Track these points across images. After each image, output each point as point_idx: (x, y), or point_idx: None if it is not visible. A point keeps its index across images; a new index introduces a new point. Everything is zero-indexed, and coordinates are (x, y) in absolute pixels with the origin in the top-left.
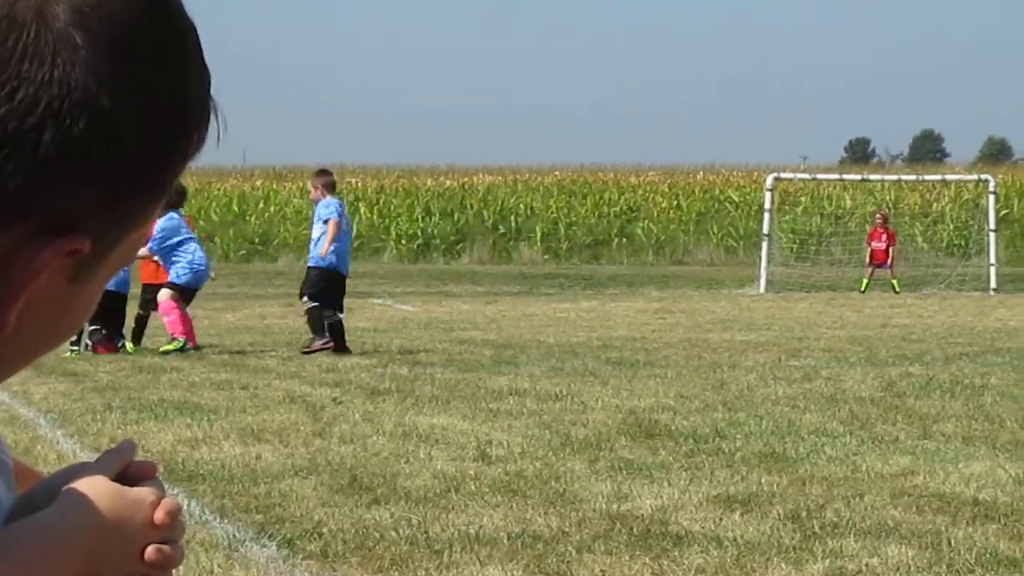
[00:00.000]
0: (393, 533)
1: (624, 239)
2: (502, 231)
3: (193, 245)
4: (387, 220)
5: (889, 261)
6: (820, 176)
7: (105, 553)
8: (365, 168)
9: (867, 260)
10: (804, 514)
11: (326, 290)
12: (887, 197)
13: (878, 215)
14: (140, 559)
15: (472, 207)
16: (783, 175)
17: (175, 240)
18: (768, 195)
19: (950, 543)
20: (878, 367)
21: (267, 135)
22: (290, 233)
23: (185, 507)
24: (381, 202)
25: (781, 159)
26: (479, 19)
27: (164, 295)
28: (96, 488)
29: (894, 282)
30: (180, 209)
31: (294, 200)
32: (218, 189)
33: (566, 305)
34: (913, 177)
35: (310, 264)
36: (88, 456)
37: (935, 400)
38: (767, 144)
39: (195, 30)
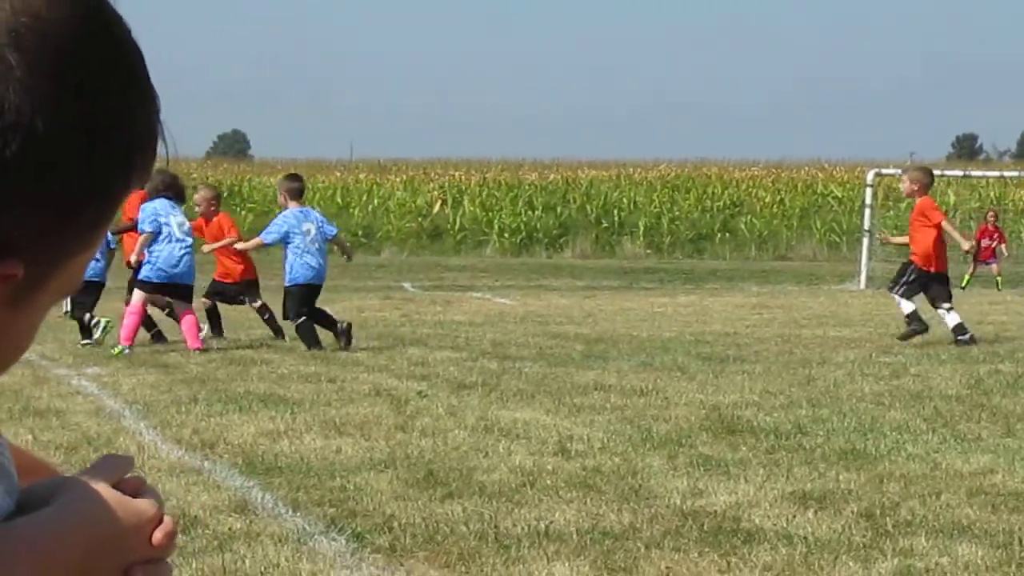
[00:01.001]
0: (463, 528)
1: (727, 234)
2: (605, 225)
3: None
4: (490, 213)
5: (996, 258)
6: None
7: (99, 558)
8: (469, 162)
9: (974, 256)
10: (878, 512)
11: (309, 303)
12: (991, 193)
13: (990, 213)
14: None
15: (575, 201)
16: (884, 171)
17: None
18: (869, 191)
19: (1022, 542)
20: (968, 364)
21: (374, 127)
22: (393, 226)
23: (259, 500)
24: (484, 195)
25: (888, 155)
26: (585, 16)
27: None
28: (100, 494)
29: (998, 279)
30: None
31: (397, 193)
32: (322, 182)
33: (664, 300)
34: (1016, 174)
35: (286, 285)
36: (169, 449)
37: (1022, 398)
38: (874, 140)
39: (139, 52)
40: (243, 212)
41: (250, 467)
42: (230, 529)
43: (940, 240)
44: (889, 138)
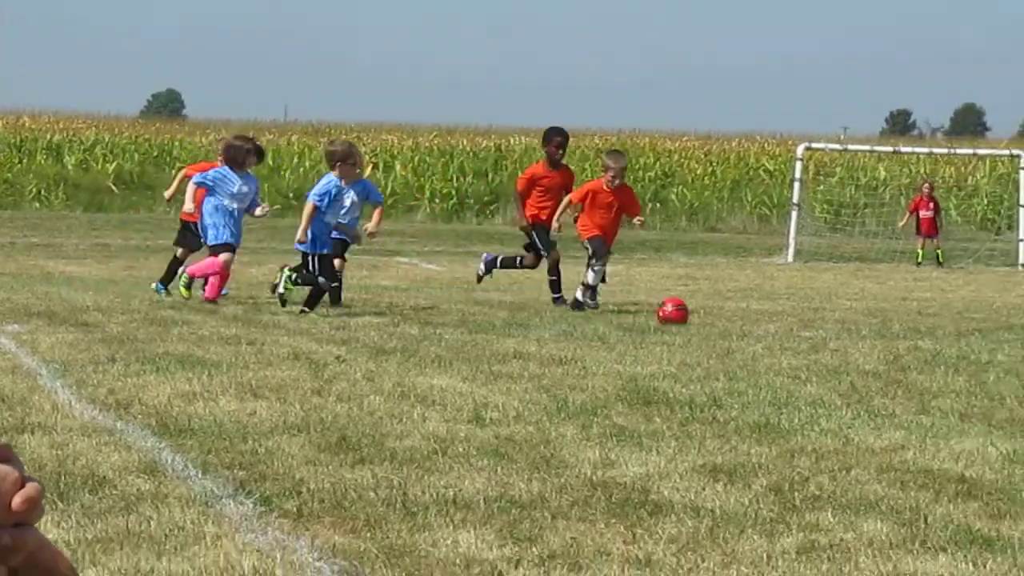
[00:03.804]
0: (372, 494)
1: (658, 204)
2: None
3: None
4: (421, 179)
5: (938, 231)
6: (851, 147)
7: None
8: (402, 127)
9: (915, 230)
10: (787, 486)
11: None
12: (922, 170)
13: (925, 184)
14: None
15: (507, 168)
16: (815, 144)
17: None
18: (799, 164)
19: (927, 520)
20: (888, 340)
21: (309, 91)
22: None
23: (169, 461)
24: (416, 160)
25: (822, 129)
26: None
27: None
28: None
29: (939, 252)
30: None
31: None
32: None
33: None
34: (944, 150)
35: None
36: (83, 409)
37: (938, 375)
38: (807, 114)
39: None
40: (173, 172)
41: (163, 428)
42: (138, 490)
43: None
44: (822, 112)
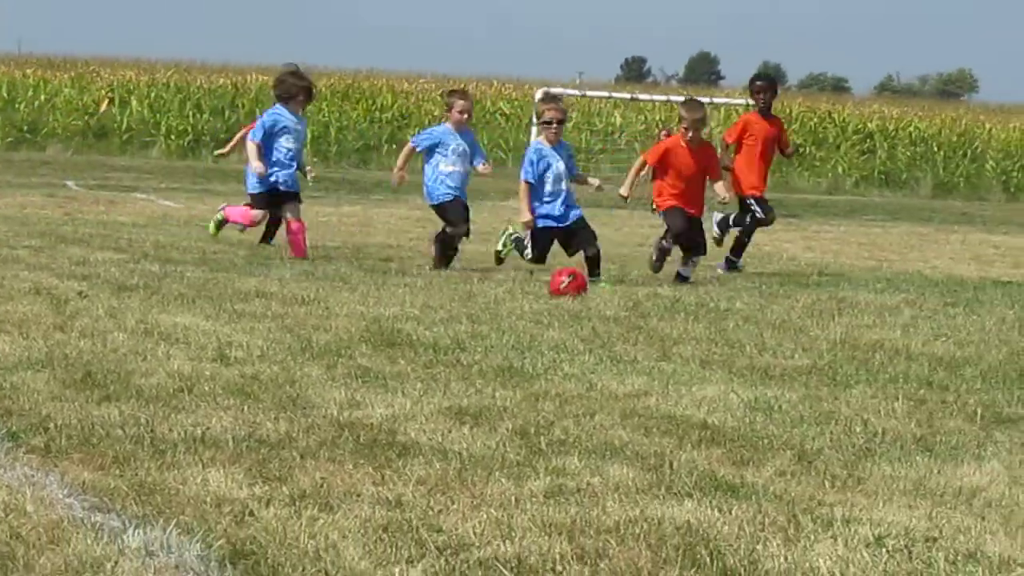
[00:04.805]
0: (119, 431)
1: (394, 145)
2: None
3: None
4: (158, 115)
5: None
6: (590, 93)
7: None
8: (139, 62)
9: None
10: (532, 430)
11: None
12: (658, 116)
13: (663, 132)
14: None
15: (244, 106)
16: (552, 90)
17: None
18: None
19: (672, 466)
20: (627, 286)
21: (42, 23)
22: (59, 123)
23: None
24: (152, 96)
25: (557, 74)
26: None
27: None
28: None
29: None
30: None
31: (65, 90)
32: None
33: (329, 209)
34: (682, 98)
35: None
36: None
37: (678, 322)
38: (543, 59)
39: None
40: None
41: None
42: None
43: None
44: (558, 58)
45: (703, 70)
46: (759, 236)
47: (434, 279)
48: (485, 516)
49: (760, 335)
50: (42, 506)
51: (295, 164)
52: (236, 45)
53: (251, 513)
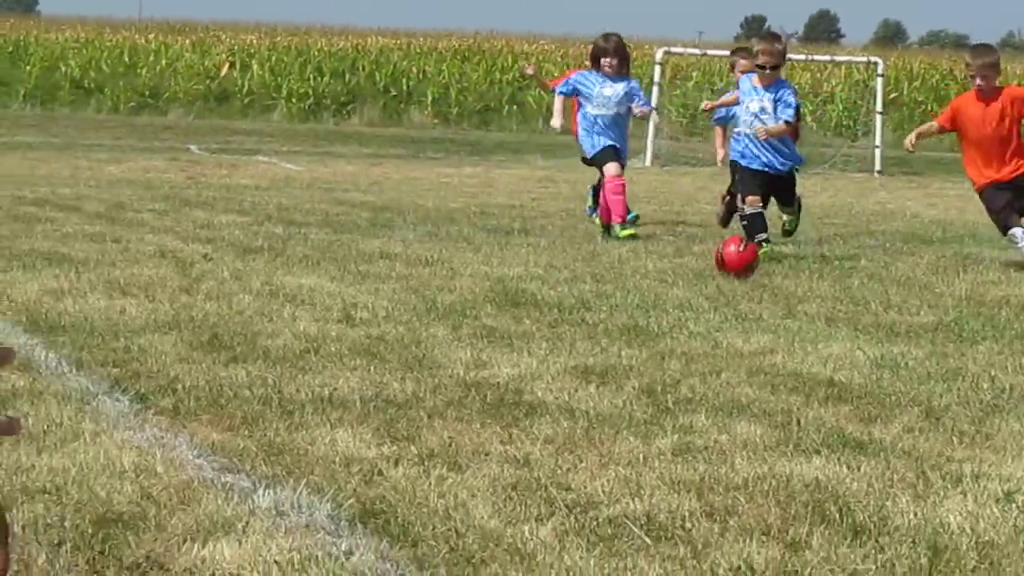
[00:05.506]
0: (247, 392)
1: (515, 106)
2: (393, 94)
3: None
4: (278, 78)
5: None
6: (710, 52)
7: None
8: (259, 26)
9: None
10: (659, 389)
11: None
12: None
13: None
14: None
15: (364, 69)
16: (673, 49)
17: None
18: (657, 68)
19: (799, 423)
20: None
21: None
22: (181, 88)
23: (43, 358)
24: (273, 60)
25: (677, 34)
26: None
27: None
28: None
29: None
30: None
31: (186, 55)
32: (110, 40)
33: (450, 170)
34: (802, 57)
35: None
36: None
37: (803, 280)
38: (662, 18)
39: None
40: (28, 68)
41: (33, 325)
42: (13, 387)
43: None
44: (678, 16)
45: (823, 28)
46: (883, 195)
47: (557, 239)
48: (613, 474)
49: (885, 292)
50: (172, 467)
51: (611, 126)
52: (356, 7)
53: (380, 473)
